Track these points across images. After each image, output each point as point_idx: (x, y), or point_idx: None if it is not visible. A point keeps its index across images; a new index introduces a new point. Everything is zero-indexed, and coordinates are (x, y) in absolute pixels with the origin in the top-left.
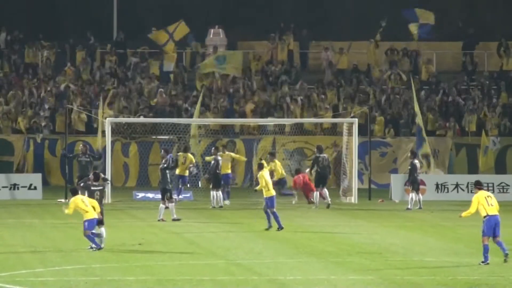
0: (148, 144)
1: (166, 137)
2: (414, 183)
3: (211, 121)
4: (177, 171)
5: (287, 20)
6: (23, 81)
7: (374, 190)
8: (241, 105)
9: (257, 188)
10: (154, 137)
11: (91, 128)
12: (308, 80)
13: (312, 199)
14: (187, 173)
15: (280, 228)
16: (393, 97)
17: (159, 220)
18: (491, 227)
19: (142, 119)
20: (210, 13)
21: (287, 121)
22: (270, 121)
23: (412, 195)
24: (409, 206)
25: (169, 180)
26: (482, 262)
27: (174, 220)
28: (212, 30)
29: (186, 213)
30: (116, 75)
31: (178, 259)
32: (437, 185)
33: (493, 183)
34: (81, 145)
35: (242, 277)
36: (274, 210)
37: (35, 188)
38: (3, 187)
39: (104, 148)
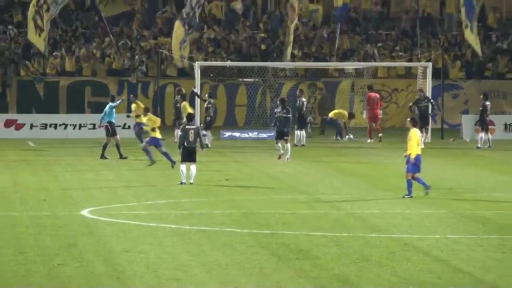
0: (235, 86)
1: (252, 79)
2: (484, 123)
3: (295, 65)
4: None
5: None
6: (119, 27)
7: (446, 130)
8: (323, 50)
9: (146, 128)
10: (240, 79)
11: (181, 72)
12: (387, 27)
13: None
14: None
15: (173, 163)
16: (464, 42)
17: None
18: (417, 165)
19: (229, 63)
20: None
21: (364, 65)
22: (349, 65)
23: (482, 134)
24: (479, 145)
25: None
26: (406, 195)
27: (288, 160)
28: None
29: (270, 152)
30: (207, 21)
31: (262, 193)
32: (505, 125)
33: None
34: (179, 88)
35: (322, 211)
36: (164, 150)
37: (129, 127)
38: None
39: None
